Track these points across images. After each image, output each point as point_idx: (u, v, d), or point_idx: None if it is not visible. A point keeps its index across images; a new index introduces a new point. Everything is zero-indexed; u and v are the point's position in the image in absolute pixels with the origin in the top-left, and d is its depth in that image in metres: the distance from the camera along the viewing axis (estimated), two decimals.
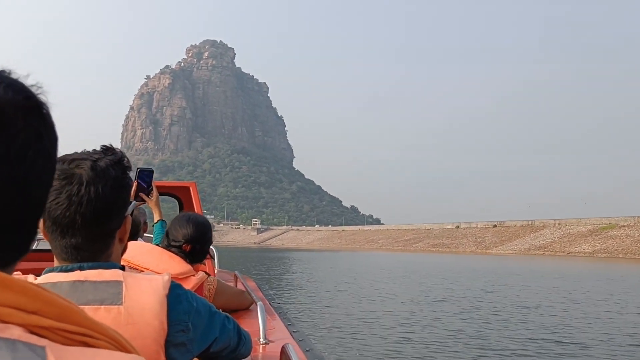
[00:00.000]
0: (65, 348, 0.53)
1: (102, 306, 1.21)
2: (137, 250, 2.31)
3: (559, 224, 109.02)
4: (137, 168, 3.30)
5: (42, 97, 0.60)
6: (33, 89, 0.59)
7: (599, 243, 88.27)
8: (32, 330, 0.52)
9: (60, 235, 1.22)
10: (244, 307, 2.83)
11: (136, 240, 2.97)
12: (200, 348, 1.40)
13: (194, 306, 1.36)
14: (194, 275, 2.31)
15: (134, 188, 3.53)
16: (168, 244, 2.47)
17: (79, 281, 1.21)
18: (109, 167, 1.23)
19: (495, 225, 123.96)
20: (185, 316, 1.32)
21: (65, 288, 1.20)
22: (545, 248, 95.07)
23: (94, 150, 1.28)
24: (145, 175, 3.01)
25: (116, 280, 1.25)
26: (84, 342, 0.56)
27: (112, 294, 1.23)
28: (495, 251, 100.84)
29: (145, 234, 3.76)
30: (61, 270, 1.23)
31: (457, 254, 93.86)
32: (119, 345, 0.60)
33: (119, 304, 1.23)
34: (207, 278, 2.51)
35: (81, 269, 1.23)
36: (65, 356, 0.52)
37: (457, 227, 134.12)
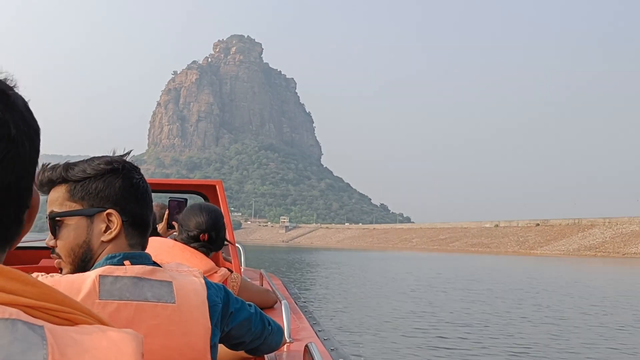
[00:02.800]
0: (59, 327, 0.54)
1: (159, 303, 1.27)
2: (159, 248, 2.30)
3: (609, 222, 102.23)
4: (168, 198, 3.26)
5: (11, 84, 0.59)
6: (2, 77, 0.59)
7: None
8: (23, 310, 0.53)
9: (139, 234, 1.36)
10: (268, 305, 2.83)
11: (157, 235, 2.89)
12: (218, 328, 1.44)
13: (215, 300, 1.41)
14: (216, 272, 2.37)
15: (165, 216, 3.54)
16: (185, 238, 2.48)
17: (138, 277, 1.27)
18: (126, 167, 1.34)
19: (538, 224, 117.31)
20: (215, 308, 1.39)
21: (128, 284, 1.26)
22: (596, 249, 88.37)
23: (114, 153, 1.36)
24: (176, 204, 2.89)
25: (168, 280, 1.31)
26: (69, 319, 0.57)
27: (167, 293, 1.29)
28: (540, 252, 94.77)
29: None
30: (109, 260, 1.29)
31: (499, 254, 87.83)
32: (103, 324, 0.60)
33: (173, 303, 1.29)
34: (230, 275, 2.55)
35: (131, 261, 1.31)
36: (62, 335, 0.52)
37: (496, 225, 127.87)
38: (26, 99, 0.61)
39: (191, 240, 2.45)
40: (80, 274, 1.28)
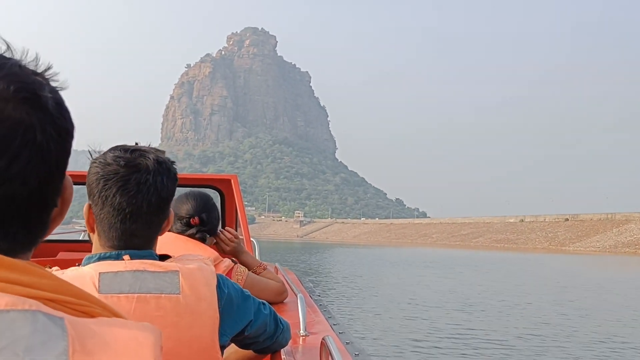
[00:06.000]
0: (79, 319, 0.54)
1: (163, 295, 1.27)
2: (161, 241, 2.25)
3: None
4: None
5: (53, 85, 0.59)
6: (42, 76, 0.58)
7: None
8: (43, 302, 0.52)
9: (121, 221, 1.27)
10: (278, 300, 2.79)
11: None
12: (233, 331, 1.43)
13: (225, 293, 1.39)
14: (220, 263, 2.34)
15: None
16: (178, 227, 2.46)
17: (139, 270, 1.26)
18: (167, 161, 1.36)
19: (567, 219, 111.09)
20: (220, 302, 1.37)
21: (128, 277, 1.25)
22: (636, 245, 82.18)
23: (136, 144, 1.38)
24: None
25: (173, 271, 1.30)
26: (87, 312, 0.57)
27: (171, 284, 1.28)
28: (573, 248, 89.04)
29: None
30: (110, 257, 1.29)
31: (526, 251, 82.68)
32: (118, 316, 0.60)
33: (178, 294, 1.28)
34: (235, 266, 2.52)
35: (131, 256, 1.29)
36: (81, 327, 0.53)
37: (522, 220, 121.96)
38: (59, 89, 0.60)
39: (185, 228, 2.44)
40: (78, 268, 1.29)
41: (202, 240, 2.44)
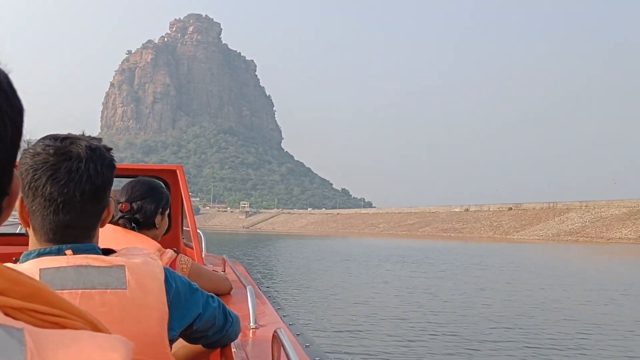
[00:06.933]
0: (43, 331, 0.50)
1: (108, 290, 1.23)
2: (103, 235, 2.15)
3: (585, 206, 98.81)
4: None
5: None
6: None
7: None
8: (4, 312, 0.49)
9: (53, 212, 1.21)
10: (223, 292, 2.76)
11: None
12: (181, 325, 1.39)
13: (173, 286, 1.36)
14: (162, 254, 2.29)
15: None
16: (114, 216, 2.36)
17: (82, 266, 1.22)
18: (101, 147, 1.27)
19: (510, 208, 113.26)
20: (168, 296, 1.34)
21: (71, 273, 1.20)
22: (577, 233, 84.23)
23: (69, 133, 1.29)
24: None
25: (119, 265, 1.26)
26: (57, 323, 0.53)
27: (117, 279, 1.24)
28: (517, 237, 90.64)
29: None
30: (51, 252, 1.23)
31: (473, 240, 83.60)
32: (94, 326, 0.56)
33: (124, 289, 1.24)
34: (178, 256, 2.48)
35: (74, 250, 1.24)
36: (43, 339, 0.49)
37: (467, 210, 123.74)
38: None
39: (117, 215, 2.38)
40: (18, 265, 1.23)
41: (132, 229, 2.36)
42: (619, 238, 76.37)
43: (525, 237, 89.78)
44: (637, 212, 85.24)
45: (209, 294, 1.53)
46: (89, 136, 1.30)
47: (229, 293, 2.79)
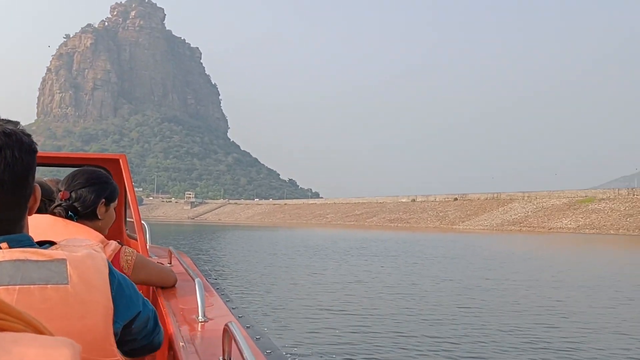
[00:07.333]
0: None
1: (49, 285, 1.16)
2: (39, 224, 2.10)
3: (528, 197, 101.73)
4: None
5: None
6: None
7: (582, 218, 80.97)
8: None
9: None
10: (168, 284, 2.71)
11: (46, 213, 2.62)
12: (124, 318, 1.34)
13: (116, 278, 1.31)
14: (106, 246, 2.22)
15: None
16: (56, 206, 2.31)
17: (20, 260, 1.15)
18: (18, 132, 1.18)
19: (456, 199, 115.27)
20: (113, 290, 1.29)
21: (8, 267, 1.14)
22: (520, 223, 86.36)
23: None
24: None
25: (60, 259, 1.20)
26: None
27: (58, 273, 1.18)
28: (463, 227, 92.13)
29: None
30: None
31: (419, 230, 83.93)
32: (35, 329, 0.54)
33: (66, 284, 1.18)
34: (122, 248, 2.40)
35: (8, 243, 1.17)
36: None
37: (413, 200, 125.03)
38: None
39: (55, 203, 2.30)
40: None
41: (70, 219, 2.26)
42: (560, 228, 78.66)
43: (471, 227, 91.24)
44: (576, 203, 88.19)
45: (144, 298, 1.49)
46: (4, 119, 1.20)
47: (174, 285, 2.74)
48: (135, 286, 1.41)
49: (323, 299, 13.59)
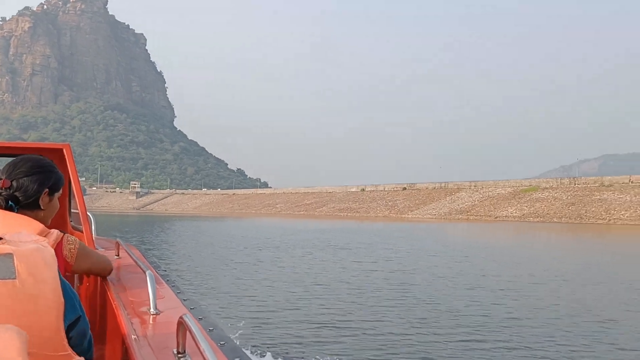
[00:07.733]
0: None
1: None
2: None
3: (474, 186, 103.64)
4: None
5: None
6: None
7: (526, 207, 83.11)
8: None
9: None
10: (107, 273, 2.70)
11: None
12: (70, 317, 1.30)
13: (60, 275, 1.28)
14: (47, 235, 2.15)
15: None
16: None
17: None
18: None
19: (405, 188, 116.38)
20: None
21: None
22: (468, 212, 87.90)
23: None
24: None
25: (6, 254, 1.17)
26: None
27: (5, 268, 1.16)
28: (412, 216, 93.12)
29: None
30: None
31: (369, 219, 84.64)
32: None
33: (14, 279, 1.16)
34: (64, 236, 2.36)
35: None
36: None
37: (363, 190, 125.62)
38: None
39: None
40: None
41: (11, 209, 2.18)
42: (505, 216, 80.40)
43: (419, 215, 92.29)
44: (520, 192, 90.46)
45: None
46: None
47: (110, 274, 2.73)
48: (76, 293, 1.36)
49: (267, 291, 13.58)
